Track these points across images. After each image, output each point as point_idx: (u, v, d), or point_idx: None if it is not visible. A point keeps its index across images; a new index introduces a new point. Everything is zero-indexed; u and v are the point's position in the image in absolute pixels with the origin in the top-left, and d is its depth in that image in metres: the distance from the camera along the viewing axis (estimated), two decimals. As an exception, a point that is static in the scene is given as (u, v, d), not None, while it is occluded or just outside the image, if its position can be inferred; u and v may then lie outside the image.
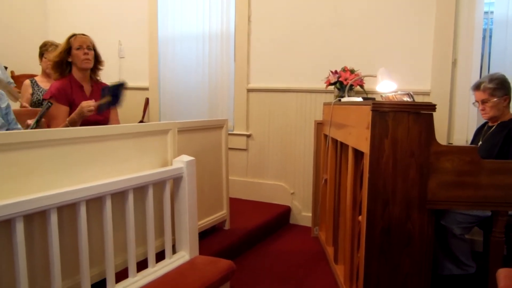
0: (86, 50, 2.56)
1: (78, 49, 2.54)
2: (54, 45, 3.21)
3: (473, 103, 2.50)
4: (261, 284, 2.44)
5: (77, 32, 2.63)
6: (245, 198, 3.78)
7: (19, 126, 2.23)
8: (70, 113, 2.51)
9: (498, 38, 2.91)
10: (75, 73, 2.59)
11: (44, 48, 3.25)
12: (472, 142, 2.64)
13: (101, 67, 2.72)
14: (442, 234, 2.29)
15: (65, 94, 2.51)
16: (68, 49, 2.55)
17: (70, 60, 2.57)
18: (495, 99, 2.33)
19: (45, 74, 3.29)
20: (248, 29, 3.67)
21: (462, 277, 2.32)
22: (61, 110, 2.50)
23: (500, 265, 1.81)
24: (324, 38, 3.38)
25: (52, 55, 2.65)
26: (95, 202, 1.67)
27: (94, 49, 2.63)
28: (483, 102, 2.37)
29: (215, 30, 3.85)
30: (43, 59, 3.25)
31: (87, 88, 2.64)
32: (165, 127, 2.16)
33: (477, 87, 2.40)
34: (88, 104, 2.40)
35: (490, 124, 2.47)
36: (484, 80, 2.37)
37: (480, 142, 2.45)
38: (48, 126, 2.50)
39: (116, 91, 2.50)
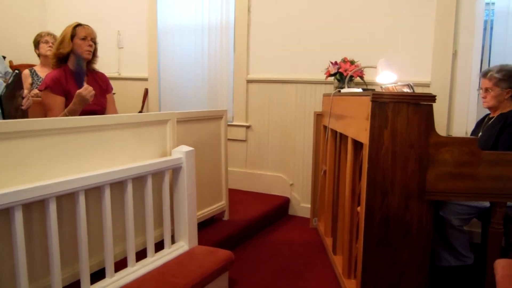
0: (90, 42, 2.56)
1: (83, 39, 2.53)
2: (49, 33, 3.23)
3: (477, 90, 2.51)
4: (259, 274, 2.45)
5: (74, 22, 2.59)
6: (244, 189, 3.78)
7: None
8: (66, 104, 2.49)
9: (499, 29, 2.90)
10: (72, 62, 2.57)
11: (38, 36, 3.26)
12: (472, 134, 2.64)
13: (96, 60, 2.71)
14: (441, 225, 2.29)
15: (60, 85, 2.49)
16: (72, 37, 2.53)
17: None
18: (498, 90, 2.33)
19: (44, 63, 3.27)
20: (248, 20, 3.64)
21: (460, 268, 2.33)
22: (57, 100, 2.47)
23: (498, 256, 1.82)
24: (324, 29, 3.36)
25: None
26: (94, 192, 1.68)
27: (95, 43, 2.63)
28: (486, 90, 2.38)
29: (214, 20, 3.82)
30: (41, 44, 3.24)
31: None
32: (164, 117, 2.15)
33: (484, 74, 2.41)
34: (88, 90, 2.38)
35: (490, 115, 2.47)
36: (493, 69, 2.38)
37: (480, 133, 2.45)
38: (45, 117, 2.49)
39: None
